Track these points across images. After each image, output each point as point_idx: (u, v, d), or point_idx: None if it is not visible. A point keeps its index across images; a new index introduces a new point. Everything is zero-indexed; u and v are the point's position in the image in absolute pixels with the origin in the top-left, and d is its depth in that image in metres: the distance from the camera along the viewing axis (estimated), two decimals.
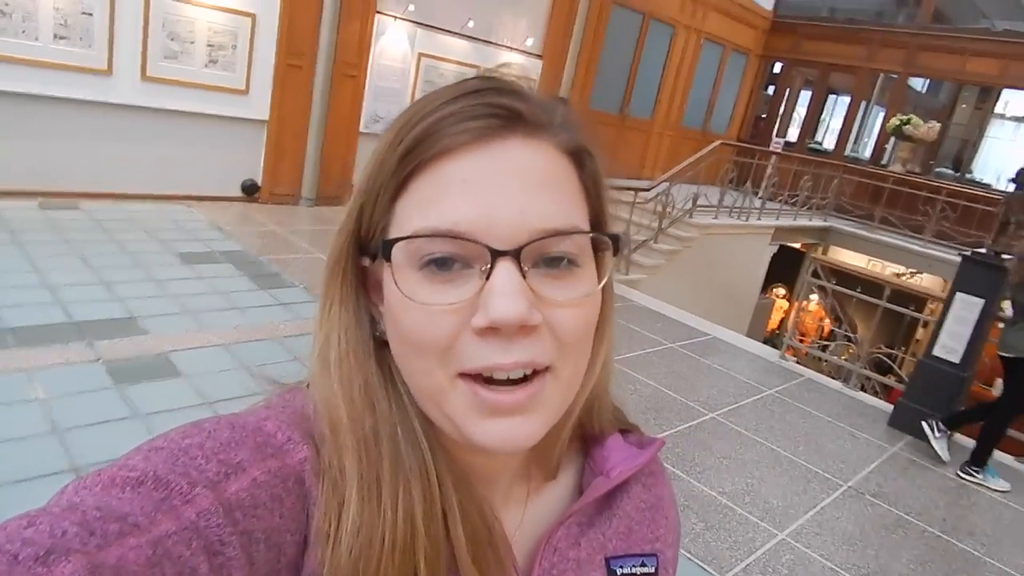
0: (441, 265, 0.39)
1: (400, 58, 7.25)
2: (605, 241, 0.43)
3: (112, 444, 2.55)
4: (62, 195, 5.42)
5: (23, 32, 4.98)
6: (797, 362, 5.52)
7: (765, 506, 3.13)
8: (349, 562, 0.39)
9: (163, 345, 3.40)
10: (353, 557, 0.39)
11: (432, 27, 7.36)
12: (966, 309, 4.23)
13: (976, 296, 4.19)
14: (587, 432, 0.52)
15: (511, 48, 8.18)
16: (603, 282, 0.43)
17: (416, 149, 0.40)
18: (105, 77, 5.41)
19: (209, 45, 5.90)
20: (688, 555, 2.62)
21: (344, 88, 6.83)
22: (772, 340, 9.00)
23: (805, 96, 12.58)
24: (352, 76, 6.86)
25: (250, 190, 6.56)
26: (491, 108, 0.40)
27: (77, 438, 2.54)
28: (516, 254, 0.38)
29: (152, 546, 0.32)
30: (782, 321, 11.06)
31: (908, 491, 3.58)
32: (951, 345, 4.28)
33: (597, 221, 0.45)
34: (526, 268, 0.39)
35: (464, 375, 0.39)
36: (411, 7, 7.06)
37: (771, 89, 12.72)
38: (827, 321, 10.69)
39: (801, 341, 7.82)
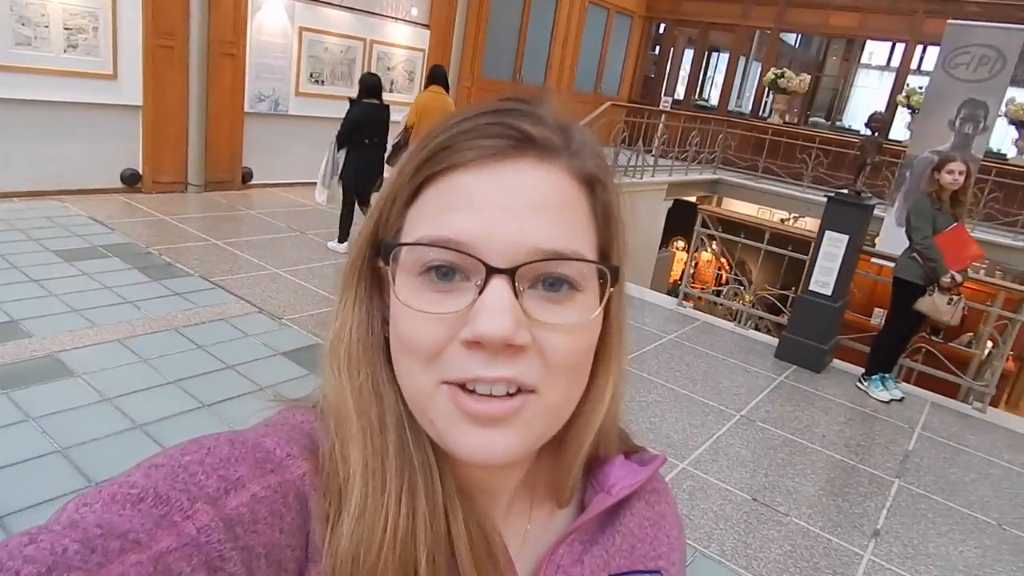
0: (442, 275, 0.40)
1: (281, 33, 7.00)
2: (608, 271, 0.43)
3: (7, 448, 2.45)
4: None
5: None
6: (694, 308, 5.87)
7: (667, 441, 3.38)
8: (350, 549, 0.39)
9: (50, 346, 3.24)
10: (354, 544, 0.39)
11: (311, 0, 7.13)
12: (833, 245, 4.64)
13: (842, 233, 4.60)
14: (591, 453, 0.51)
15: (396, 18, 8.05)
16: (597, 311, 0.42)
17: (431, 160, 0.42)
18: None
19: (66, 28, 5.49)
20: None
21: (223, 67, 6.54)
22: (674, 291, 9.48)
23: (689, 55, 13.08)
24: (230, 54, 6.57)
25: (131, 180, 6.21)
26: (504, 129, 0.41)
27: None
28: (511, 272, 0.39)
29: (153, 563, 0.32)
30: (683, 272, 11.62)
31: (792, 415, 3.95)
32: (823, 280, 4.70)
33: (604, 251, 0.45)
34: (522, 288, 0.39)
35: (447, 383, 0.40)
36: None
37: (658, 50, 13.14)
38: (724, 269, 11.34)
39: (700, 289, 8.28)
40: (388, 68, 8.10)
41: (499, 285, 0.38)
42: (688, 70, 13.16)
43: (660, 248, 10.62)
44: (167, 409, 2.90)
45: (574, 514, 0.52)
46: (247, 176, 7.16)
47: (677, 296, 6.03)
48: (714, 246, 7.34)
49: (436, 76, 5.96)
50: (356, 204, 5.42)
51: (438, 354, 0.40)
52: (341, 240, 5.53)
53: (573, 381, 0.43)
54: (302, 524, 0.40)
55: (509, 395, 0.40)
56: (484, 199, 0.40)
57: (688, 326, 5.26)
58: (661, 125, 9.88)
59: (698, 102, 13.01)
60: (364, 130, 5.27)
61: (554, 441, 0.46)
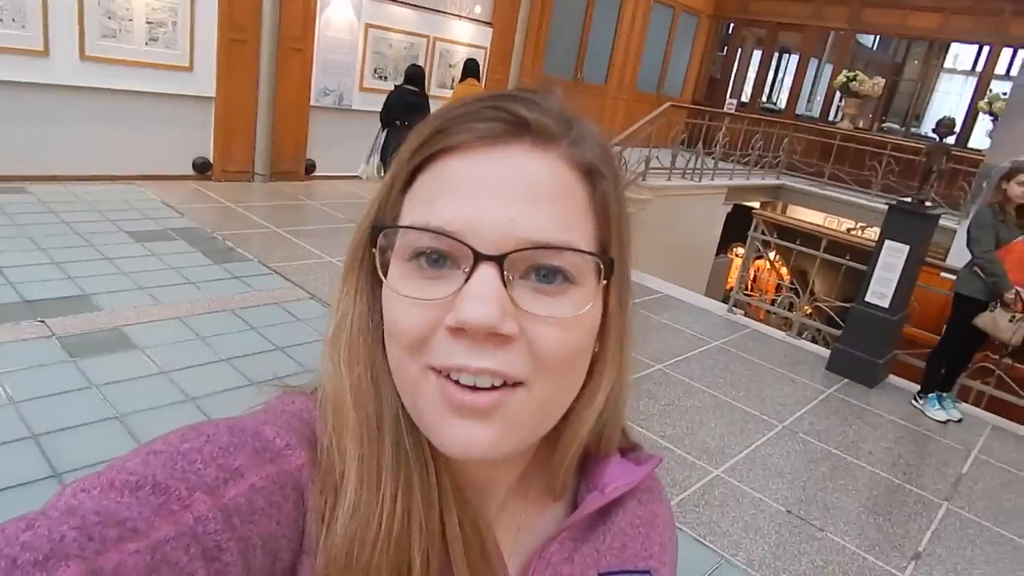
0: (431, 262, 0.39)
1: (347, 30, 7.20)
2: (605, 263, 0.41)
3: (68, 413, 2.64)
4: (8, 179, 5.35)
5: None
6: (745, 315, 5.75)
7: (703, 447, 3.34)
8: (344, 543, 0.39)
9: (117, 320, 3.46)
10: (347, 539, 0.39)
11: None
12: (893, 255, 4.47)
13: (902, 243, 4.42)
14: (589, 450, 0.51)
15: (460, 16, 8.17)
16: (590, 305, 0.41)
17: (425, 144, 0.41)
18: (42, 58, 5.32)
19: (148, 22, 5.82)
20: None
21: (291, 62, 6.79)
22: (729, 298, 9.27)
23: (757, 56, 12.77)
24: (299, 49, 6.81)
25: (202, 168, 6.53)
26: (499, 112, 0.40)
27: (34, 408, 2.63)
28: (499, 260, 0.37)
29: (150, 551, 0.32)
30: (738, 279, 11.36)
31: (839, 429, 3.83)
32: (880, 291, 4.53)
33: (603, 245, 0.43)
34: (512, 277, 0.38)
35: (433, 369, 0.39)
36: None
37: (724, 50, 12.88)
38: (781, 278, 11.02)
39: (758, 297, 8.10)
40: (450, 65, 8.23)
41: (486, 272, 0.37)
42: (756, 71, 12.84)
43: (718, 254, 10.41)
44: (218, 385, 3.05)
45: (566, 512, 0.51)
46: (310, 167, 7.41)
47: (728, 301, 5.92)
48: (772, 254, 7.15)
49: (470, 69, 6.36)
50: None
51: (424, 341, 0.39)
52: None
53: (565, 377, 0.42)
54: (298, 516, 0.40)
55: (494, 388, 0.38)
56: (475, 184, 0.39)
57: (737, 333, 5.16)
58: (723, 128, 9.69)
59: (765, 105, 12.69)
60: (396, 112, 5.77)
61: (548, 438, 0.45)
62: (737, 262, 11.76)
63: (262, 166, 6.90)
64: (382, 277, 0.41)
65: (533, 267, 0.39)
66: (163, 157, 6.26)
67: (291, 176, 7.17)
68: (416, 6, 7.67)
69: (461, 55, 8.11)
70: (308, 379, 0.49)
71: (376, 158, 5.96)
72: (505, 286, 0.38)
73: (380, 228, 0.42)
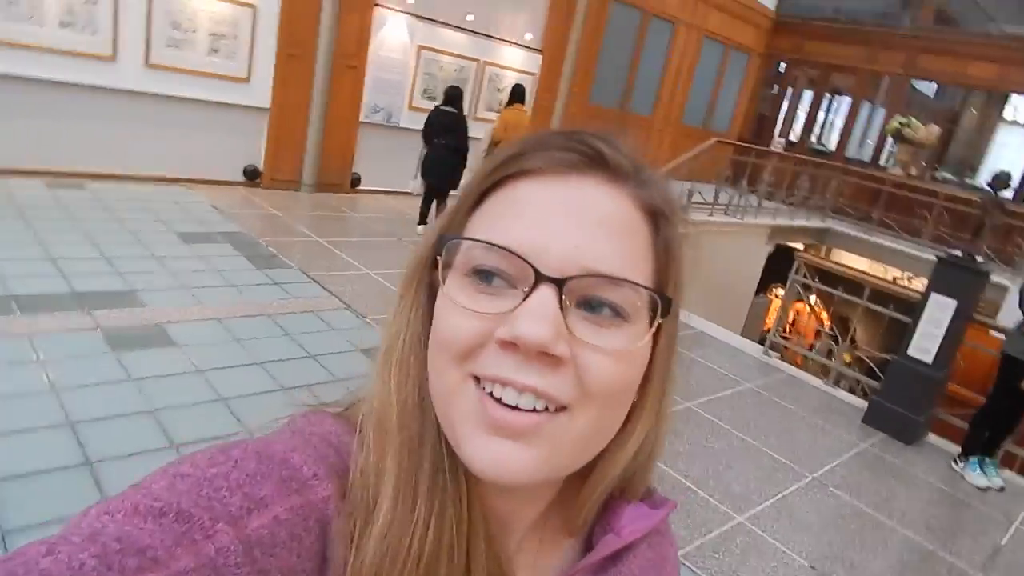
0: (484, 277, 0.40)
1: (400, 50, 7.38)
2: (661, 302, 0.41)
3: (104, 404, 2.71)
4: (69, 175, 5.58)
5: (30, 18, 5.14)
6: (781, 358, 5.63)
7: (727, 491, 3.26)
8: (373, 564, 0.39)
9: (159, 317, 3.56)
10: (378, 559, 0.39)
11: (432, 20, 7.48)
12: (939, 310, 4.34)
13: (950, 297, 4.29)
14: (611, 494, 0.51)
15: (510, 42, 8.30)
16: (645, 339, 0.41)
17: (500, 167, 0.42)
18: (109, 63, 5.58)
19: (211, 34, 6.06)
20: None
21: (344, 79, 6.97)
22: (765, 339, 9.10)
23: (808, 96, 12.65)
24: (352, 67, 7.00)
25: (251, 175, 6.71)
26: (577, 144, 0.42)
27: (74, 396, 2.71)
28: (560, 283, 0.38)
29: None
30: (776, 321, 11.15)
31: (872, 486, 3.70)
32: (924, 345, 4.39)
33: (659, 287, 0.43)
34: (568, 303, 0.39)
35: (476, 379, 0.39)
36: (411, 0, 7.18)
37: (775, 88, 12.79)
38: (821, 323, 10.78)
39: (791, 339, 7.93)
40: (498, 89, 8.35)
41: (545, 293, 0.38)
42: (806, 111, 12.72)
43: (756, 293, 10.25)
44: (250, 388, 3.11)
45: (580, 552, 0.51)
46: (356, 181, 7.56)
47: (764, 343, 5.81)
48: (813, 298, 7.01)
49: (517, 94, 6.68)
50: (434, 196, 6.24)
51: (473, 352, 0.39)
52: (420, 223, 6.37)
53: (609, 411, 0.42)
54: (320, 549, 0.39)
55: (536, 410, 0.38)
56: (545, 209, 0.40)
57: (771, 377, 5.06)
58: (770, 166, 9.60)
59: (814, 146, 12.53)
60: (435, 131, 6.03)
61: (574, 477, 0.45)
62: (776, 303, 11.57)
63: (309, 177, 7.07)
64: (440, 286, 0.42)
65: (588, 298, 0.40)
66: (215, 163, 6.46)
67: (337, 188, 7.32)
68: (469, 31, 7.82)
69: (509, 80, 8.22)
70: (340, 395, 0.49)
71: (419, 173, 6.22)
72: (562, 310, 0.38)
73: (448, 238, 0.42)
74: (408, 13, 7.27)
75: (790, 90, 12.62)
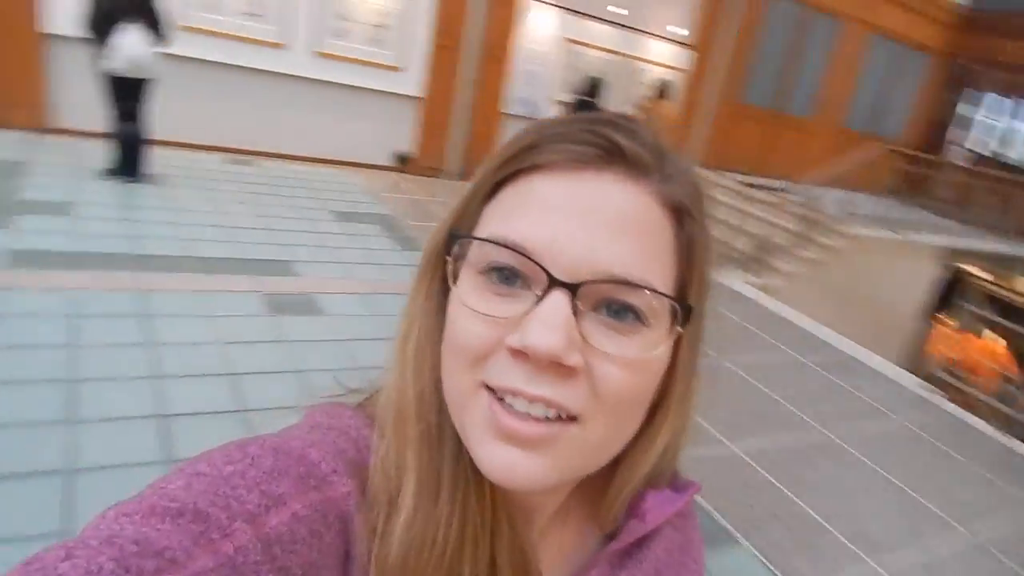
0: (504, 278, 0.38)
1: (546, 42, 7.44)
2: (681, 309, 0.39)
3: (260, 360, 2.97)
4: (241, 152, 6.15)
5: (216, 8, 5.72)
6: (943, 395, 5.09)
7: (861, 533, 2.97)
8: (399, 556, 0.39)
9: (311, 287, 3.84)
10: (403, 551, 0.39)
11: (578, 12, 7.47)
12: None
13: None
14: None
15: (658, 36, 8.11)
16: (661, 349, 0.39)
17: (514, 158, 0.40)
18: (281, 50, 6.07)
19: (372, 25, 6.42)
20: (768, 565, 2.58)
21: (491, 69, 7.14)
22: (925, 369, 8.28)
23: (999, 103, 11.30)
24: (498, 59, 7.14)
25: (401, 161, 7.06)
26: (594, 136, 0.39)
27: (234, 350, 2.98)
28: (573, 288, 0.36)
29: None
30: (942, 353, 10.11)
31: None
32: None
33: (682, 288, 0.41)
34: (583, 308, 0.37)
35: (488, 387, 0.38)
36: None
37: (957, 93, 11.55)
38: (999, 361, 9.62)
39: (960, 375, 7.14)
40: (642, 84, 8.20)
41: (558, 299, 0.36)
42: (995, 120, 11.37)
43: (919, 320, 9.32)
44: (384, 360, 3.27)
45: (605, 539, 0.50)
46: None
47: (925, 376, 5.27)
48: (990, 332, 6.26)
49: (661, 90, 6.72)
50: None
51: (484, 357, 0.38)
52: None
53: (623, 419, 0.40)
54: (341, 544, 0.39)
55: (548, 419, 0.37)
56: (560, 206, 0.38)
57: (929, 414, 4.55)
58: (947, 180, 8.69)
59: (1005, 158, 11.17)
60: None
61: (600, 475, 0.44)
62: (942, 333, 10.48)
63: (453, 165, 7.32)
64: (452, 285, 0.40)
65: (605, 301, 0.37)
66: (368, 147, 6.85)
67: None
68: (618, 24, 7.74)
69: (655, 75, 8.06)
70: (360, 383, 0.49)
71: None
72: (576, 316, 0.36)
73: (457, 236, 0.40)
74: (556, 5, 7.31)
75: (976, 94, 11.34)
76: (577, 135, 0.39)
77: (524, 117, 7.67)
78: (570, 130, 0.40)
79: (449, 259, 0.40)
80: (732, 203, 6.43)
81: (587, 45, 7.68)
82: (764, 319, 5.42)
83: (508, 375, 0.37)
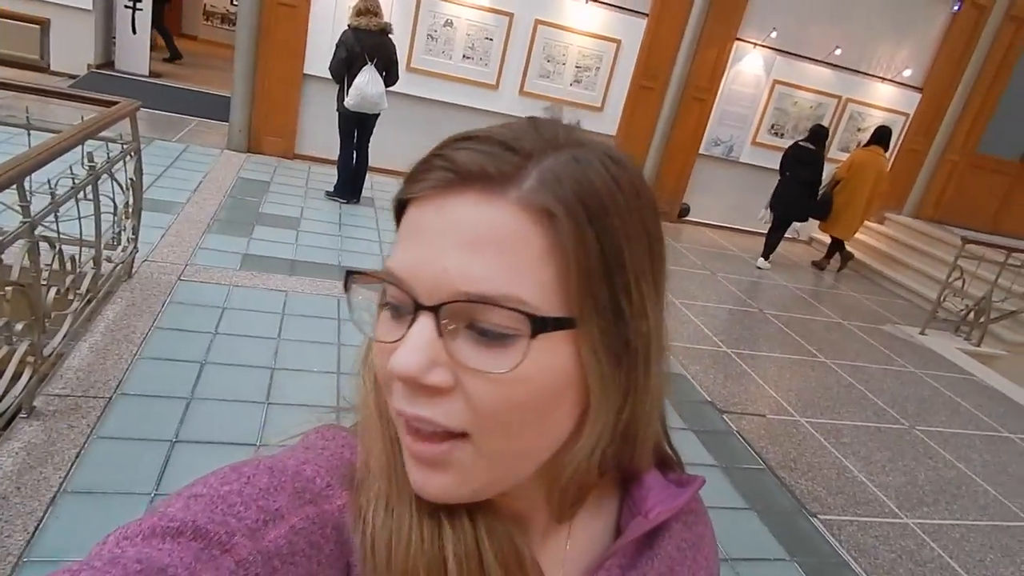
0: (393, 308, 0.40)
1: (752, 84, 7.21)
2: (536, 322, 0.37)
3: None
4: None
5: (443, 52, 6.37)
6: None
7: None
8: (383, 556, 0.40)
9: None
10: (384, 552, 0.40)
11: (793, 54, 7.15)
12: None
13: None
14: (624, 469, 0.50)
15: (883, 79, 7.47)
16: (517, 364, 0.37)
17: (401, 191, 0.42)
18: (493, 91, 6.59)
19: (577, 67, 6.72)
20: None
21: (691, 110, 7.09)
22: None
23: None
24: (700, 99, 7.07)
25: None
26: (444, 162, 0.39)
27: None
28: (435, 310, 0.37)
29: None
30: None
31: None
32: None
33: (564, 292, 0.38)
34: (452, 326, 0.37)
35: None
36: (773, 34, 6.97)
37: None
38: None
39: None
40: (859, 129, 7.60)
41: (422, 322, 0.37)
42: None
43: None
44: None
45: (612, 536, 0.51)
46: (684, 211, 7.63)
47: None
48: None
49: (880, 136, 6.41)
50: (780, 228, 6.51)
51: (387, 386, 0.40)
52: (763, 256, 6.61)
53: (517, 431, 0.39)
54: (340, 555, 0.40)
55: (438, 436, 0.38)
56: (419, 234, 0.39)
57: None
58: None
59: None
60: (787, 165, 6.31)
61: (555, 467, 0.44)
62: None
63: None
64: (372, 316, 0.42)
65: (469, 321, 0.37)
66: None
67: (664, 216, 7.40)
68: (835, 66, 7.28)
69: (874, 120, 7.45)
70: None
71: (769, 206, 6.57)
72: (443, 336, 0.37)
73: (352, 272, 0.42)
74: (769, 47, 7.08)
75: None
76: (432, 163, 0.40)
77: (721, 159, 7.50)
78: (437, 155, 0.40)
79: (348, 293, 0.42)
80: (952, 260, 5.71)
81: (798, 87, 7.32)
82: (974, 391, 4.74)
83: (397, 399, 0.39)
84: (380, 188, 5.96)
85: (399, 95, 5.83)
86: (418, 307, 0.37)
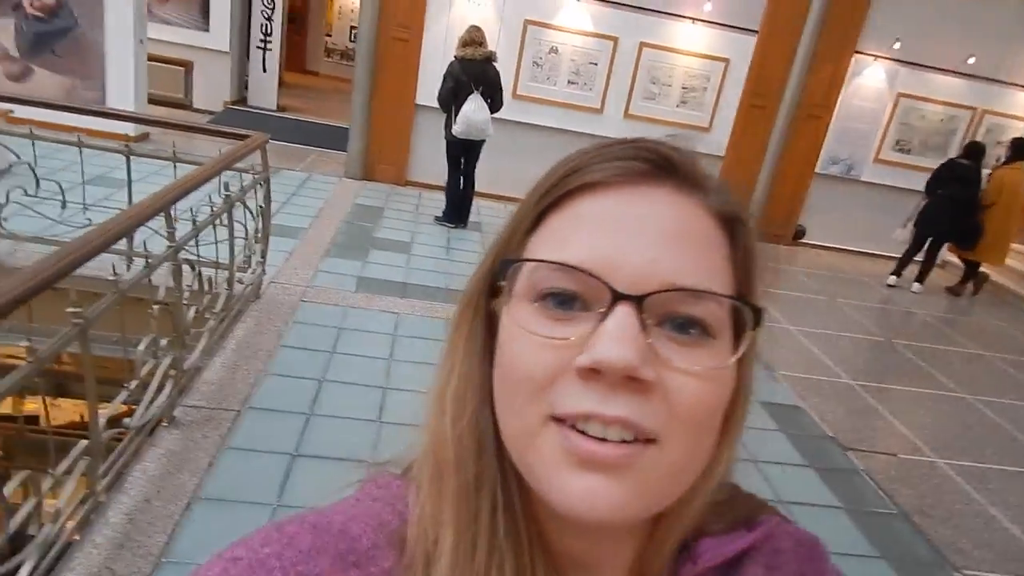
0: (560, 302, 0.36)
1: (874, 98, 6.81)
2: (747, 312, 0.38)
3: None
4: None
5: (547, 79, 6.47)
6: None
7: None
8: None
9: None
10: None
11: (919, 65, 6.69)
12: None
13: None
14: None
15: (1021, 86, 6.84)
16: (735, 357, 0.37)
17: (558, 184, 0.40)
18: (597, 115, 6.60)
19: (683, 87, 6.62)
20: None
21: (806, 128, 6.77)
22: None
23: None
24: (816, 116, 6.75)
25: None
26: (640, 151, 0.39)
27: None
28: (639, 300, 0.34)
29: None
30: None
31: None
32: None
33: (742, 295, 0.39)
34: (649, 322, 0.35)
35: (557, 419, 0.35)
36: (896, 45, 6.56)
37: None
38: None
39: None
40: (997, 142, 6.98)
41: (624, 312, 0.34)
42: None
43: None
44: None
45: None
46: (799, 233, 7.26)
47: None
48: None
49: (1019, 148, 5.94)
50: (919, 249, 6.19)
51: (548, 385, 0.35)
52: (893, 272, 6.33)
53: (700, 438, 0.37)
54: None
55: (625, 442, 0.34)
56: (613, 223, 0.37)
57: None
58: None
59: None
60: (941, 182, 5.91)
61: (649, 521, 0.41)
62: None
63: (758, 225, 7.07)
64: (506, 314, 0.39)
65: (669, 316, 0.36)
66: None
67: (777, 239, 7.15)
68: (967, 75, 6.75)
69: (1015, 132, 6.81)
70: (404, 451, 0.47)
71: (910, 224, 6.17)
72: (644, 329, 0.35)
73: (509, 261, 0.39)
74: (892, 59, 6.67)
75: None
76: (623, 152, 0.39)
77: (839, 178, 7.11)
78: (614, 149, 0.40)
79: (503, 284, 0.39)
80: None
81: (926, 100, 6.84)
82: None
83: (579, 399, 0.34)
84: (487, 213, 6.08)
85: (505, 122, 5.95)
86: (616, 297, 0.35)
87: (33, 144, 3.49)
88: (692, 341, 0.36)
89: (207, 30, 8.02)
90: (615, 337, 0.34)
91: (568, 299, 0.36)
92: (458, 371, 0.42)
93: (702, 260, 0.37)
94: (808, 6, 6.34)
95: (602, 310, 0.35)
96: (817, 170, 7.02)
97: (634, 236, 0.36)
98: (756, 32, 6.49)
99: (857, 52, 6.62)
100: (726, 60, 6.53)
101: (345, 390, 2.96)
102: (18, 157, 3.53)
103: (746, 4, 6.41)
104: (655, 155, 0.39)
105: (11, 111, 4.02)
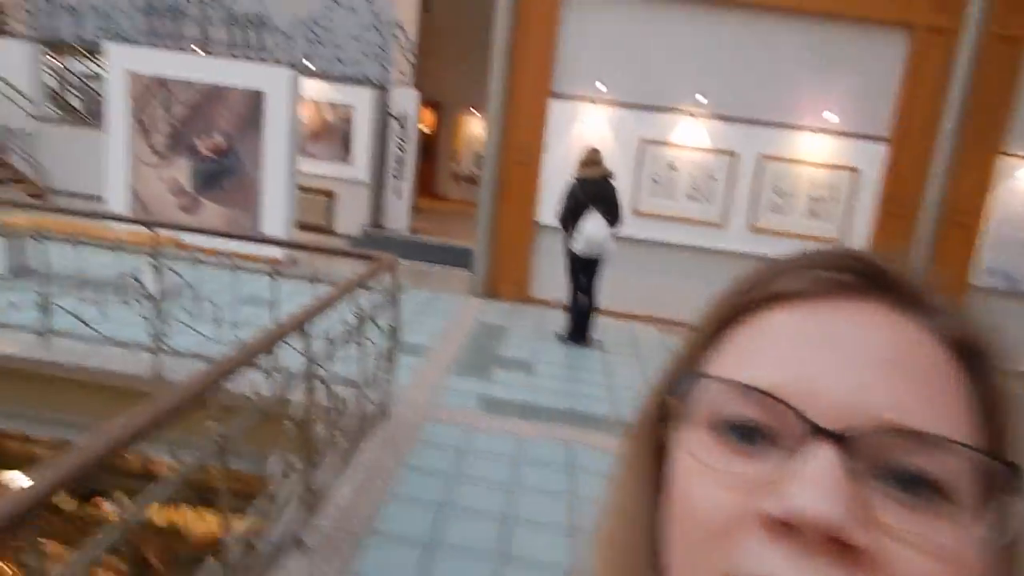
0: (741, 436, 0.30)
1: None
2: (999, 472, 0.28)
3: None
4: (676, 323, 6.59)
5: (667, 194, 6.50)
6: None
7: None
8: None
9: None
10: None
11: None
12: None
13: None
14: None
15: None
16: (980, 534, 0.28)
17: (747, 291, 0.35)
18: (719, 229, 6.49)
19: (811, 197, 6.40)
20: None
21: (954, 236, 6.27)
22: None
23: None
24: (964, 224, 6.25)
25: None
26: (847, 261, 0.33)
27: (584, 506, 3.04)
28: (845, 440, 0.27)
29: None
30: None
31: None
32: None
33: (989, 448, 0.30)
34: (858, 467, 0.27)
35: None
36: None
37: None
38: None
39: None
40: None
41: (826, 453, 0.27)
42: None
43: None
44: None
45: None
46: None
47: None
48: None
49: None
50: None
51: (725, 534, 0.29)
52: None
53: None
54: None
55: None
56: (812, 339, 0.30)
57: None
58: None
59: None
60: None
61: None
62: None
63: None
64: (677, 443, 0.33)
65: (888, 467, 0.28)
66: None
67: None
68: None
69: None
70: None
71: None
72: (854, 479, 0.27)
73: (691, 376, 0.33)
74: None
75: None
76: (825, 260, 0.34)
77: (1001, 292, 6.43)
78: (815, 257, 0.34)
79: (676, 403, 0.33)
80: None
81: None
82: None
83: (762, 559, 0.27)
84: (610, 331, 5.99)
85: (626, 239, 5.97)
86: (816, 432, 0.28)
87: (194, 267, 3.90)
88: (922, 505, 0.27)
89: (348, 162, 8.87)
90: (815, 483, 0.26)
91: (750, 432, 0.30)
92: (628, 511, 0.37)
93: (928, 394, 0.29)
94: (941, 111, 6.05)
95: (792, 447, 0.28)
96: (973, 281, 6.41)
97: (837, 357, 0.30)
98: (884, 139, 6.25)
99: (1003, 154, 6.17)
100: (855, 169, 6.29)
101: (466, 518, 2.86)
102: (183, 280, 3.93)
103: (871, 112, 6.23)
104: (864, 264, 0.33)
105: (181, 239, 4.55)
